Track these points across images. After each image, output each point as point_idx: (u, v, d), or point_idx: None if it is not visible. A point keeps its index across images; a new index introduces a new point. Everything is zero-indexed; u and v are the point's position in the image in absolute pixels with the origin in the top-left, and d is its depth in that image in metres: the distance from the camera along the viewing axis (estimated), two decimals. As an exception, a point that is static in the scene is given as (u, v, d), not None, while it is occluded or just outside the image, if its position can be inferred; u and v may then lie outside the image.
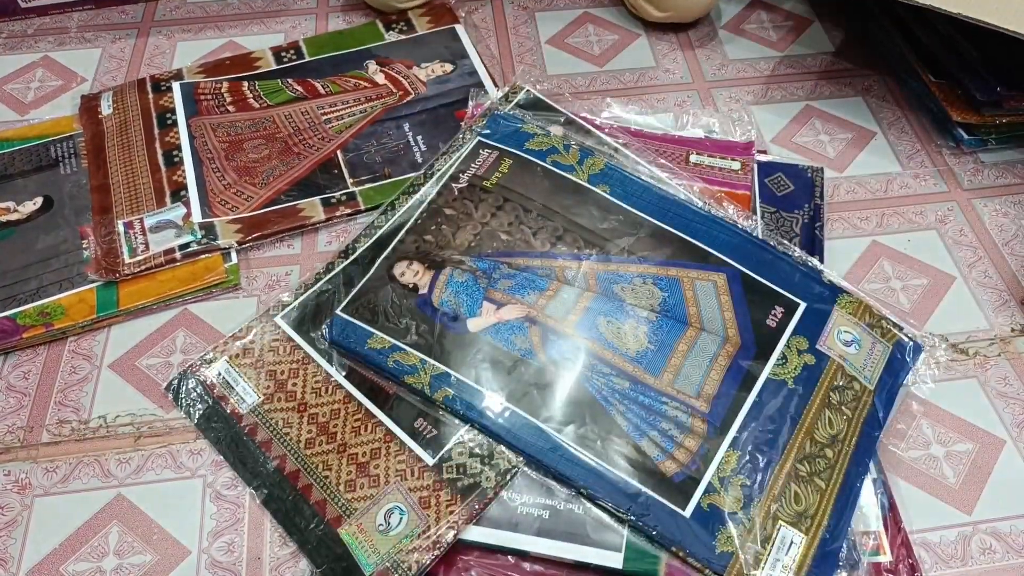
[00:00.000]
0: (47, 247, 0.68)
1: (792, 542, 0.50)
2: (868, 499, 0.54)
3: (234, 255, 0.68)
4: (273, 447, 0.57)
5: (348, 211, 0.71)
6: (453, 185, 0.69)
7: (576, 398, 0.56)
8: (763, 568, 0.49)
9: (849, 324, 0.60)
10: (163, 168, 0.73)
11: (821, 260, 0.66)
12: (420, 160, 0.74)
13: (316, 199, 0.71)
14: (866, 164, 0.77)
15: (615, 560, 0.51)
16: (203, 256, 0.67)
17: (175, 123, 0.77)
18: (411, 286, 0.63)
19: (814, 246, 0.67)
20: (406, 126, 0.78)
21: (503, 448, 0.55)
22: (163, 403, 0.61)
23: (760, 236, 0.66)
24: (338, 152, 0.75)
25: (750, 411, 0.56)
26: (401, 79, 0.82)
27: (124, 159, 0.74)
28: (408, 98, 0.80)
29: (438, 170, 0.71)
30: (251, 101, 0.79)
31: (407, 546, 0.52)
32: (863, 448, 0.55)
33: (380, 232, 0.67)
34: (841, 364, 0.58)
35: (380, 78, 0.82)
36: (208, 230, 0.68)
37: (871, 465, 0.55)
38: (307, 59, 0.84)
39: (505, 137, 0.72)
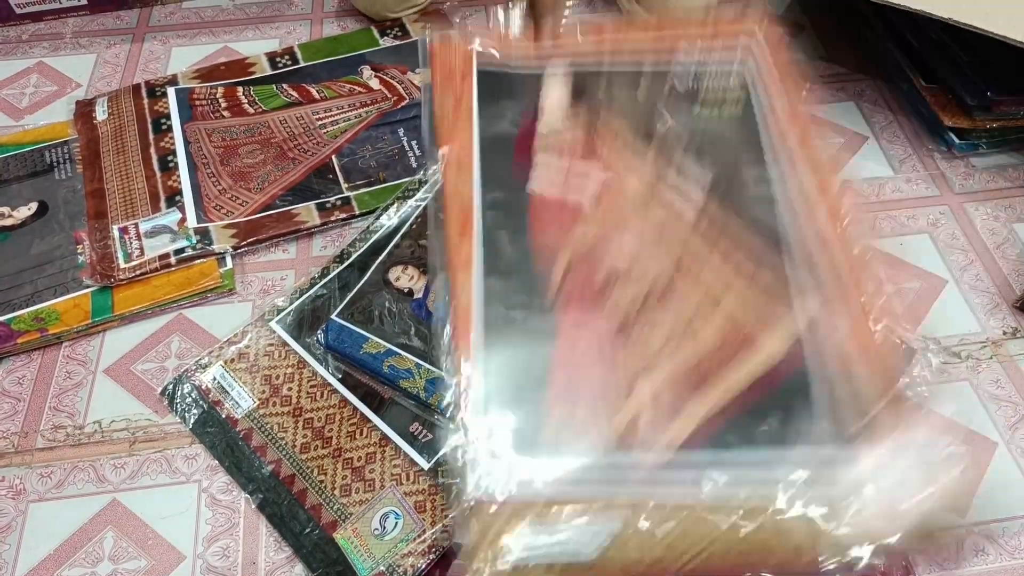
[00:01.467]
0: (42, 252, 0.68)
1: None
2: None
3: (229, 260, 0.68)
4: (268, 452, 0.57)
5: (343, 216, 0.71)
6: (448, 190, 0.69)
7: None
8: None
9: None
10: (158, 173, 0.73)
11: (814, 264, 0.66)
12: (415, 165, 0.75)
13: (311, 204, 0.72)
14: (858, 168, 0.78)
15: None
16: (198, 261, 0.67)
17: (170, 128, 0.77)
18: (406, 291, 0.63)
19: (807, 250, 0.67)
20: (401, 131, 0.78)
21: (498, 452, 0.56)
22: (158, 408, 0.61)
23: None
24: (333, 157, 0.75)
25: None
26: (396, 84, 0.82)
27: (119, 164, 0.74)
28: (403, 103, 0.81)
29: (433, 174, 0.71)
30: (246, 106, 0.80)
31: (402, 550, 0.52)
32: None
33: (375, 237, 0.67)
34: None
35: (375, 83, 0.82)
36: (203, 235, 0.68)
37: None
38: (302, 64, 0.84)
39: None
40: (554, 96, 0.56)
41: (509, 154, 0.54)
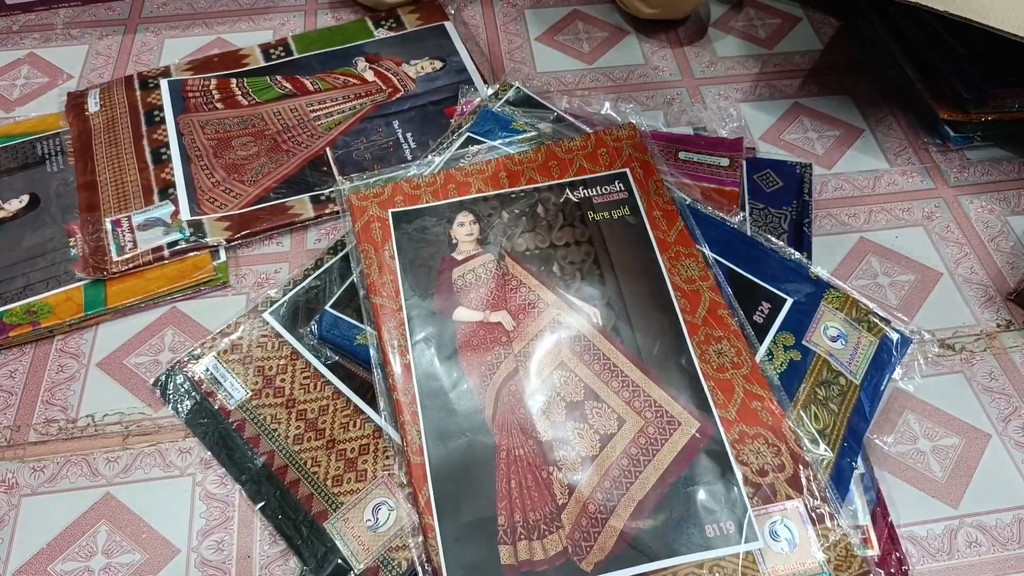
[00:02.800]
0: (34, 245, 0.67)
1: (780, 537, 0.51)
2: (856, 494, 0.54)
3: (223, 253, 0.68)
4: (261, 443, 0.57)
5: (337, 208, 0.70)
6: (442, 182, 0.69)
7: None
8: None
9: (836, 319, 0.61)
10: (151, 165, 0.73)
11: (809, 256, 0.66)
12: (409, 157, 0.74)
13: (305, 196, 0.71)
14: (854, 161, 0.78)
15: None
16: (192, 254, 0.67)
17: (163, 120, 0.77)
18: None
19: (802, 242, 0.67)
20: (395, 123, 0.77)
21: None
22: (151, 401, 0.60)
23: (748, 232, 0.66)
24: (327, 149, 0.75)
25: (738, 407, 0.56)
26: (390, 76, 0.82)
27: (111, 156, 0.74)
28: (397, 95, 0.80)
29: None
30: (239, 98, 0.79)
31: (397, 544, 0.52)
32: (850, 443, 0.55)
33: (369, 229, 0.67)
34: (827, 359, 0.58)
35: (369, 75, 0.82)
36: (197, 228, 0.68)
37: (858, 460, 0.55)
38: (296, 56, 0.84)
39: (495, 134, 0.72)
40: (463, 230, 0.63)
41: (432, 288, 0.60)
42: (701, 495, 0.51)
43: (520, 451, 0.53)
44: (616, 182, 0.65)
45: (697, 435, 0.53)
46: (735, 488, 0.51)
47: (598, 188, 0.65)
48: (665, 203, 0.64)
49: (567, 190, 0.65)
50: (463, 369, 0.56)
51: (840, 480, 0.53)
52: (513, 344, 0.58)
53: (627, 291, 0.60)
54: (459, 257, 0.62)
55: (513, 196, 0.65)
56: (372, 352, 0.58)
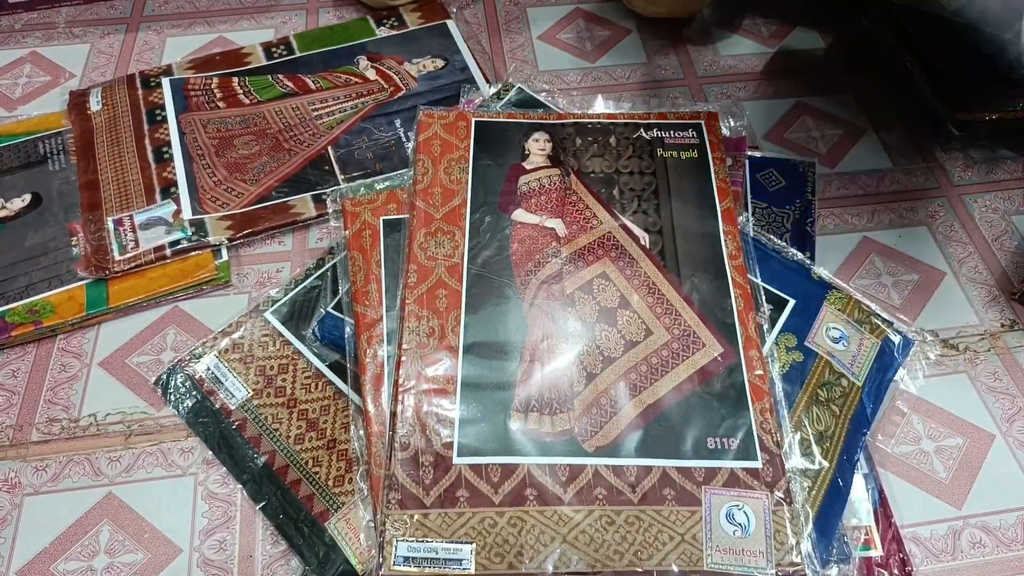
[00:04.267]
0: (36, 244, 0.67)
1: (782, 537, 0.51)
2: (859, 494, 0.54)
3: (224, 252, 0.68)
4: (262, 443, 0.57)
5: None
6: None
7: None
8: None
9: (838, 320, 0.60)
10: (153, 164, 0.73)
11: (812, 256, 0.66)
12: (411, 156, 0.74)
13: (307, 195, 0.71)
14: (857, 160, 0.77)
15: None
16: (193, 253, 0.67)
17: (165, 119, 0.77)
18: (402, 283, 0.63)
19: (805, 242, 0.67)
20: (397, 122, 0.77)
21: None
22: (154, 401, 0.60)
23: (750, 232, 0.66)
24: (329, 148, 0.75)
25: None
26: (392, 75, 0.82)
27: (113, 155, 0.74)
28: (399, 94, 0.80)
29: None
30: (241, 97, 0.79)
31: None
32: (852, 444, 0.55)
33: (371, 229, 0.67)
34: (829, 361, 0.58)
35: (371, 74, 0.82)
36: (198, 227, 0.68)
37: (861, 460, 0.55)
38: (297, 55, 0.84)
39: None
40: (537, 144, 0.67)
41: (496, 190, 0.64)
42: (711, 410, 0.54)
43: (549, 340, 0.57)
44: (690, 130, 0.69)
45: (719, 358, 0.56)
46: (746, 412, 0.53)
47: (671, 132, 0.69)
48: (727, 169, 0.68)
49: (641, 129, 0.70)
50: (512, 261, 0.61)
51: (842, 480, 0.53)
52: (562, 249, 0.61)
53: (679, 223, 0.63)
54: (528, 167, 0.66)
55: (589, 126, 0.70)
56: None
